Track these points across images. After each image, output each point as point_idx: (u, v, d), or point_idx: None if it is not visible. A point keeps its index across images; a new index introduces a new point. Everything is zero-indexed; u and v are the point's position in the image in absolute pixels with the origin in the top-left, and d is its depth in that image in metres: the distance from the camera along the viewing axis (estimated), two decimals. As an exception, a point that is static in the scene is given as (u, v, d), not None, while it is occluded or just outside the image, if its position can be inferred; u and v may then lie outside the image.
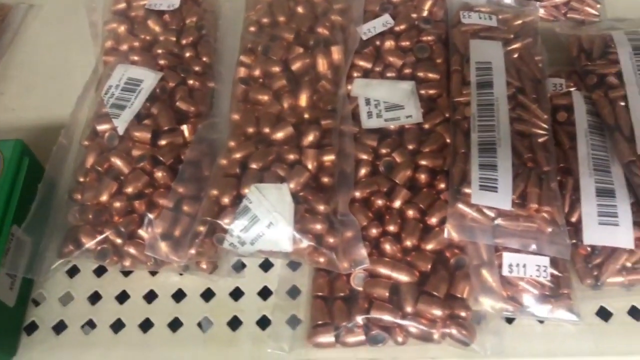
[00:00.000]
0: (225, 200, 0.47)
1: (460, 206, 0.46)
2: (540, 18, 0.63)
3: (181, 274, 0.49)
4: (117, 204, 0.48)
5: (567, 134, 0.53)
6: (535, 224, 0.46)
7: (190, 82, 0.57)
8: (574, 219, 0.48)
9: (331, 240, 0.46)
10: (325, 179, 0.48)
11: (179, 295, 0.49)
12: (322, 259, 0.46)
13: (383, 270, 0.45)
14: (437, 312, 0.43)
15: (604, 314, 0.46)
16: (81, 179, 0.51)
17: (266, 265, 0.50)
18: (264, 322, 0.47)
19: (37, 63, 0.67)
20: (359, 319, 0.44)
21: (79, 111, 0.56)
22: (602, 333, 0.45)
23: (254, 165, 0.48)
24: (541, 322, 0.46)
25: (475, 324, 0.44)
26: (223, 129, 0.53)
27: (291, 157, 0.49)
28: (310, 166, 0.48)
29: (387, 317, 0.44)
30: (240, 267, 0.50)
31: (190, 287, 0.49)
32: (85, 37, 0.63)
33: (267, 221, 0.45)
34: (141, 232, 0.48)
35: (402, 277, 0.45)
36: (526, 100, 0.52)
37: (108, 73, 0.56)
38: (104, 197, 0.49)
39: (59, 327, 0.48)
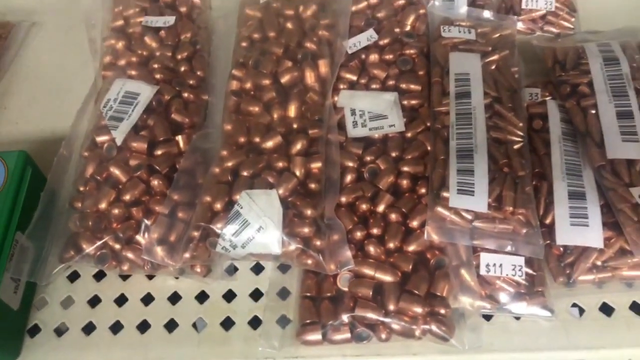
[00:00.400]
0: (218, 206, 0.49)
1: (440, 209, 0.49)
2: (519, 31, 0.67)
3: (177, 278, 0.52)
4: (116, 211, 0.51)
5: (542, 141, 0.55)
6: (511, 225, 0.49)
7: (185, 95, 0.60)
8: (548, 221, 0.51)
9: (318, 243, 0.48)
10: (313, 185, 0.51)
11: (174, 298, 0.51)
12: (309, 261, 0.49)
13: (367, 271, 0.48)
14: (418, 309, 0.46)
15: (576, 311, 0.48)
16: (81, 188, 0.54)
17: (257, 269, 0.53)
18: (255, 322, 0.49)
19: (39, 78, 0.70)
20: (345, 317, 0.46)
21: (78, 124, 0.58)
22: (574, 328, 0.47)
23: (244, 173, 0.51)
24: (517, 318, 0.48)
25: (454, 321, 0.47)
26: (216, 139, 0.56)
27: (280, 164, 0.51)
28: (298, 173, 0.51)
29: (371, 315, 0.46)
30: (232, 270, 0.53)
31: (185, 289, 0.51)
32: (85, 53, 0.66)
33: (257, 225, 0.48)
34: (138, 237, 0.50)
35: (385, 277, 0.48)
36: (502, 109, 0.55)
37: (107, 87, 0.59)
38: (103, 205, 0.51)
39: (61, 330, 0.50)
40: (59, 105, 0.66)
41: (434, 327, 0.45)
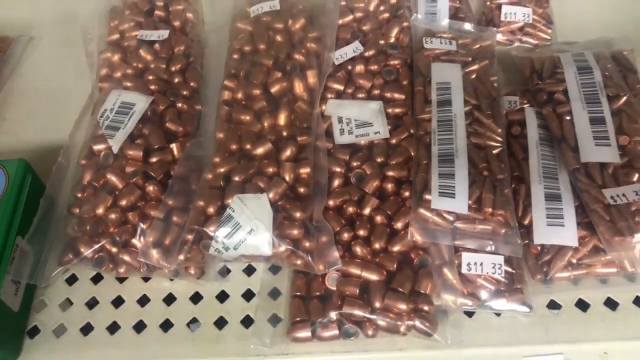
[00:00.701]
0: (211, 210, 0.52)
1: (422, 211, 0.51)
2: (498, 42, 0.70)
3: (171, 280, 0.54)
4: (112, 216, 0.53)
5: (521, 146, 0.58)
6: (490, 226, 0.51)
7: (179, 105, 0.62)
8: (526, 222, 0.53)
9: (307, 244, 0.51)
10: (302, 189, 0.53)
11: (169, 299, 0.53)
12: (299, 262, 0.51)
13: (354, 271, 0.50)
14: (403, 306, 0.48)
15: (553, 306, 0.51)
16: (79, 195, 0.56)
17: (249, 270, 0.55)
18: (247, 321, 0.51)
19: (37, 90, 0.72)
20: (333, 315, 0.48)
21: (76, 133, 0.61)
22: (552, 323, 0.49)
23: (236, 178, 0.53)
24: (498, 314, 0.50)
25: (437, 317, 0.49)
26: (209, 147, 0.58)
27: (270, 170, 0.54)
28: (287, 178, 0.54)
29: (357, 312, 0.48)
30: (225, 272, 0.55)
31: (179, 291, 0.53)
32: (82, 66, 0.68)
33: (249, 228, 0.50)
34: (134, 241, 0.52)
35: (371, 276, 0.50)
36: (482, 116, 0.58)
37: (103, 98, 0.62)
38: (100, 210, 0.53)
39: (59, 331, 0.52)
40: (56, 116, 0.67)
41: (417, 323, 0.48)
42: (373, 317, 0.48)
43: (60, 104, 0.69)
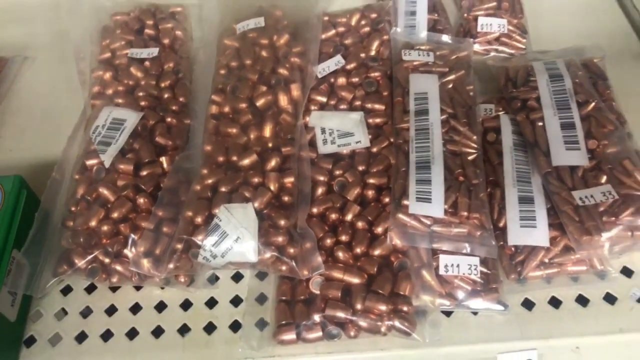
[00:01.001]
0: (199, 219, 0.54)
1: (401, 216, 0.54)
2: (476, 52, 0.73)
3: (162, 288, 0.56)
4: (105, 228, 0.55)
5: (496, 152, 0.61)
6: (466, 229, 0.53)
7: (168, 119, 0.64)
8: (501, 224, 0.56)
9: (292, 250, 0.53)
10: (286, 198, 0.56)
11: (160, 306, 0.55)
12: (284, 267, 0.53)
13: (336, 275, 0.53)
14: (383, 307, 0.50)
15: (528, 304, 0.53)
16: (73, 208, 0.58)
17: (237, 277, 0.57)
18: (236, 326, 0.54)
19: (32, 108, 0.74)
20: (317, 317, 0.51)
21: (69, 149, 0.63)
22: (526, 320, 0.52)
23: (223, 189, 0.56)
24: (475, 313, 0.52)
25: (416, 317, 0.51)
26: (197, 160, 0.61)
27: (256, 180, 0.56)
28: (272, 187, 0.56)
29: (340, 314, 0.50)
30: (214, 279, 0.57)
31: (170, 298, 0.56)
32: (75, 84, 0.71)
33: (235, 236, 0.52)
34: (126, 251, 0.55)
35: (353, 280, 0.52)
36: (458, 124, 0.60)
37: (95, 114, 0.64)
38: (93, 223, 0.56)
39: (55, 340, 0.54)
40: (50, 133, 0.70)
41: (397, 323, 0.50)
42: (354, 318, 0.50)
43: (54, 121, 0.72)
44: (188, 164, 0.61)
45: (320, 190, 0.58)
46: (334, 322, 0.51)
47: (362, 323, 0.50)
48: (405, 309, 0.51)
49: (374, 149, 0.61)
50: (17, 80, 0.78)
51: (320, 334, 0.51)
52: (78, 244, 0.55)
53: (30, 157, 0.68)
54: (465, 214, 0.54)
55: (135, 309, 0.55)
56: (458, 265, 0.53)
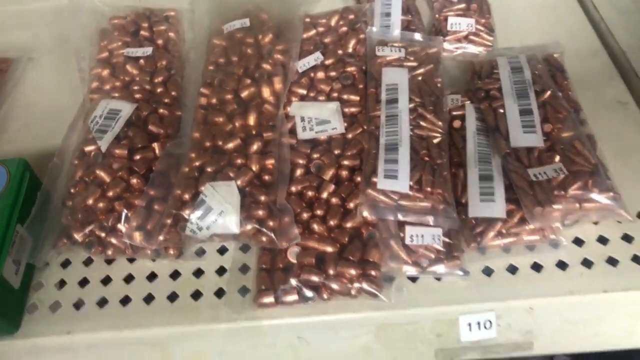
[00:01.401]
0: (186, 196, 0.59)
1: (370, 192, 0.59)
2: (446, 50, 0.78)
3: (153, 260, 0.61)
4: (101, 205, 0.60)
5: (461, 137, 0.66)
6: (430, 203, 0.59)
7: (161, 111, 0.70)
8: (463, 200, 0.61)
9: (271, 223, 0.58)
10: (267, 177, 0.61)
11: (151, 277, 0.60)
12: (264, 239, 0.58)
13: (311, 244, 0.58)
14: (353, 271, 0.55)
15: (487, 271, 0.58)
16: (72, 190, 0.63)
17: (222, 250, 0.62)
18: (220, 293, 0.58)
19: (35, 105, 0.80)
20: (293, 282, 0.55)
21: (69, 137, 0.68)
22: (485, 285, 0.56)
23: (209, 169, 0.61)
24: (438, 279, 0.57)
25: (384, 283, 0.56)
26: (187, 146, 0.66)
27: (239, 161, 0.62)
28: (254, 168, 0.61)
29: (314, 278, 0.55)
30: (201, 252, 0.62)
31: (160, 269, 0.60)
32: (75, 83, 0.76)
33: (219, 210, 0.57)
34: (120, 226, 0.60)
35: (327, 249, 0.57)
36: (425, 111, 0.66)
37: (94, 107, 0.69)
38: (90, 201, 0.61)
39: (55, 307, 0.58)
40: (53, 127, 0.74)
41: (365, 286, 0.55)
42: (327, 282, 0.55)
43: (56, 116, 0.77)
44: (178, 150, 0.66)
45: (299, 172, 0.63)
46: (309, 286, 0.56)
47: (334, 286, 0.55)
48: (373, 273, 0.55)
49: (349, 135, 0.66)
50: (22, 79, 0.83)
51: (296, 297, 0.56)
52: (76, 220, 0.60)
53: (34, 147, 0.73)
54: (429, 189, 0.59)
55: (129, 279, 0.60)
56: (422, 236, 0.58)
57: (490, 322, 0.56)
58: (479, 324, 0.56)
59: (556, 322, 0.56)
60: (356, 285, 0.55)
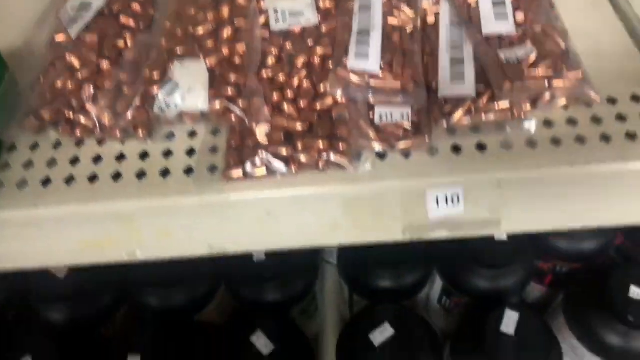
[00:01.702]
0: (155, 75, 0.59)
1: (341, 71, 0.59)
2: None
3: (123, 142, 0.61)
4: (70, 85, 0.60)
5: (436, 31, 0.66)
6: (399, 83, 0.59)
7: (133, 6, 0.69)
8: (434, 85, 0.61)
9: (241, 102, 0.58)
10: (237, 60, 0.61)
11: (120, 158, 0.60)
12: (233, 118, 0.58)
13: (281, 122, 0.57)
14: (321, 144, 0.55)
15: (456, 150, 0.58)
16: (41, 77, 0.63)
17: (192, 134, 0.61)
18: (189, 172, 0.58)
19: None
20: (261, 154, 0.55)
21: (38, 30, 0.68)
22: (454, 162, 0.56)
23: (179, 51, 0.61)
24: (406, 156, 0.57)
25: (352, 159, 0.56)
26: (158, 37, 0.66)
27: (209, 44, 0.61)
28: (225, 51, 0.61)
29: (282, 151, 0.55)
30: (171, 135, 0.61)
31: (130, 151, 0.60)
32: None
33: (187, 86, 0.57)
34: (89, 106, 0.59)
35: (296, 127, 0.57)
36: (399, 2, 0.66)
37: (64, 2, 0.69)
38: (59, 84, 0.60)
39: (21, 184, 0.58)
40: (22, 25, 0.74)
41: (333, 157, 0.55)
42: (296, 155, 0.55)
43: (26, 13, 0.76)
44: (149, 40, 0.65)
45: (270, 60, 0.63)
46: (277, 159, 0.55)
47: (303, 158, 0.55)
48: (341, 146, 0.55)
49: (323, 27, 0.66)
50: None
51: (264, 171, 0.55)
52: (45, 101, 0.60)
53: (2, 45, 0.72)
54: (400, 71, 0.59)
55: (97, 160, 0.60)
56: (392, 114, 0.58)
57: (458, 196, 0.56)
58: (446, 198, 0.56)
59: (524, 198, 0.56)
60: (324, 157, 0.55)
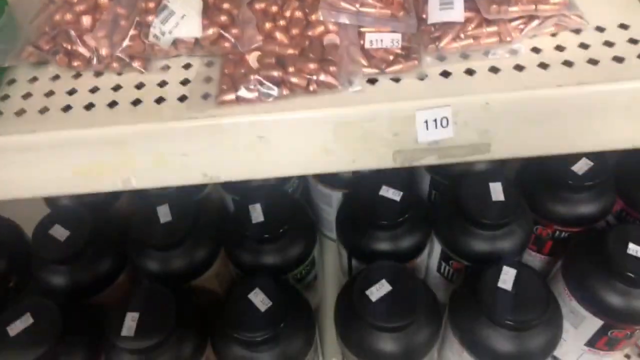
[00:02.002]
0: (150, 5, 0.60)
1: (332, -1, 0.60)
2: None
3: (120, 74, 0.62)
4: (68, 17, 0.61)
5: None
6: (389, 10, 0.60)
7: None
8: (424, 16, 0.62)
9: (234, 30, 0.59)
10: (230, -8, 0.62)
11: (117, 88, 0.61)
12: (226, 44, 0.59)
13: (273, 48, 0.59)
14: (312, 66, 0.56)
15: (445, 74, 0.58)
16: (41, 13, 0.64)
17: (187, 66, 0.63)
18: (184, 99, 0.59)
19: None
20: (253, 78, 0.56)
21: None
22: (443, 85, 0.57)
23: (173, -16, 0.62)
24: (396, 81, 0.58)
25: (343, 83, 0.57)
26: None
27: (202, -23, 0.63)
28: (218, -16, 0.62)
29: (274, 73, 0.56)
30: (166, 68, 0.63)
31: (126, 82, 0.61)
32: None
33: (181, 14, 0.58)
34: (86, 37, 0.61)
35: (287, 51, 0.58)
36: (389, -61, 0.67)
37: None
38: (57, 17, 0.62)
39: (20, 113, 0.59)
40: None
41: (323, 77, 0.56)
42: (287, 77, 0.56)
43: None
44: (146, -22, 0.67)
45: (264, -5, 0.64)
46: (269, 82, 0.56)
47: (294, 80, 0.56)
48: (332, 68, 0.56)
49: (316, -35, 0.67)
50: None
51: (256, 93, 0.57)
52: (43, 32, 0.61)
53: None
54: (390, -1, 0.60)
55: (94, 90, 0.61)
56: (382, 40, 0.59)
57: (447, 119, 0.57)
58: (435, 121, 0.57)
59: (512, 121, 0.57)
60: (315, 77, 0.56)
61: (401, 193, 0.93)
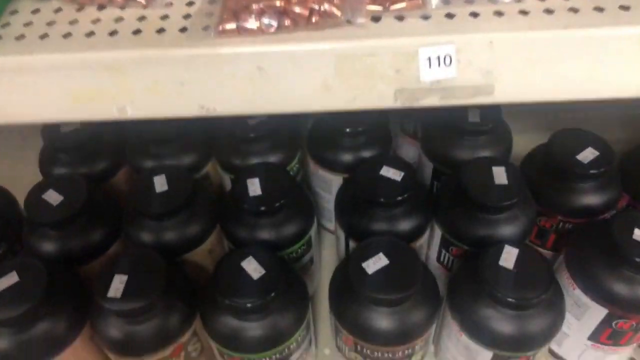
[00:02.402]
0: (158, -60, 0.61)
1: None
2: None
3: (122, 8, 0.62)
4: (74, -50, 0.62)
5: None
6: (395, -47, 0.60)
7: None
8: (430, -36, 0.62)
9: (238, -33, 0.59)
10: None
11: (119, 20, 0.61)
12: (229, -20, 0.59)
13: (277, -14, 0.59)
14: (315, -3, 0.56)
15: (450, 16, 0.58)
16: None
17: (190, 4, 0.63)
18: (184, 31, 0.59)
19: None
20: (254, 8, 0.56)
21: None
22: (447, 25, 0.56)
23: None
24: (400, 20, 0.58)
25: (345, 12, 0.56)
26: None
27: None
28: None
29: (276, 3, 0.56)
30: (170, 4, 0.62)
31: (128, 14, 0.61)
32: None
33: (188, -53, 0.59)
34: (92, -31, 0.61)
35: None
36: None
37: None
38: (65, -48, 0.63)
39: (20, 38, 0.59)
40: None
41: (327, 7, 0.55)
42: (290, 7, 0.56)
43: None
44: None
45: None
46: (271, 11, 0.56)
47: (297, 10, 0.56)
48: (335, 0, 0.56)
49: None
50: None
51: (258, 24, 0.56)
52: (49, -36, 0.62)
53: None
54: (396, -56, 0.60)
55: (96, 21, 0.61)
56: (386, -20, 0.59)
57: (450, 57, 0.56)
58: (438, 58, 0.56)
59: (517, 62, 0.56)
60: (317, 8, 0.55)
61: (402, 173, 0.91)
